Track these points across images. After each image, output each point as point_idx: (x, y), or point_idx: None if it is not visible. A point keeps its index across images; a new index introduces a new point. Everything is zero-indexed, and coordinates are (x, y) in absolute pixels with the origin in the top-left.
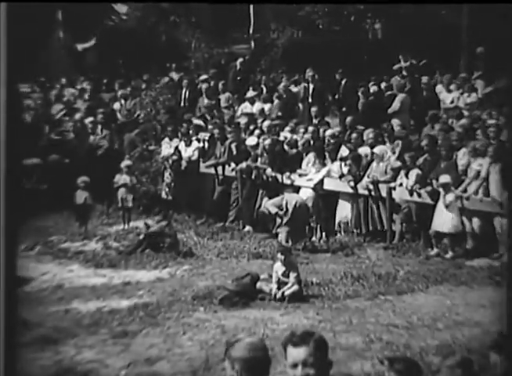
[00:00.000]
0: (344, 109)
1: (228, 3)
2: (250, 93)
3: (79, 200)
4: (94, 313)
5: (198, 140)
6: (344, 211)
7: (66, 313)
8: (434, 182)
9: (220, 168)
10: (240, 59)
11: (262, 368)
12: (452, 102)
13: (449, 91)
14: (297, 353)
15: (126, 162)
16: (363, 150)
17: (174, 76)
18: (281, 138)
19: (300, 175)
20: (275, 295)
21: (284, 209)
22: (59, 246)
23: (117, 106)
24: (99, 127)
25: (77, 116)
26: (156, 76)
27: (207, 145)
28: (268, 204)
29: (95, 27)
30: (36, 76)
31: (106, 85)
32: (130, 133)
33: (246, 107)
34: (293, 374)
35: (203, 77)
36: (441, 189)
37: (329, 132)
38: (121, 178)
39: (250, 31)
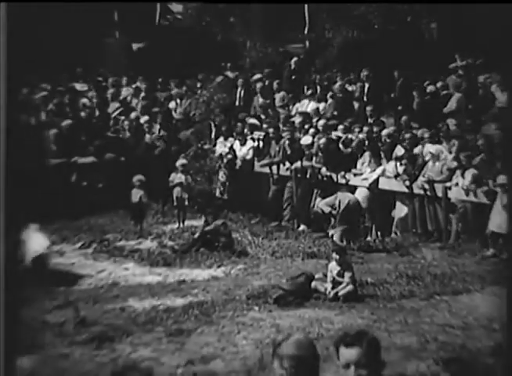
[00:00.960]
0: (399, 108)
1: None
2: (305, 92)
3: (134, 198)
4: (149, 311)
5: (253, 139)
6: (399, 210)
7: (122, 311)
8: (490, 182)
9: (275, 168)
10: (295, 59)
11: (311, 365)
12: None
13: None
14: (350, 354)
15: (181, 161)
16: (419, 150)
17: (230, 75)
18: (336, 137)
19: (355, 175)
20: (329, 295)
21: (337, 208)
22: (114, 244)
23: (172, 105)
24: (155, 126)
25: (133, 115)
26: (211, 75)
27: (261, 144)
28: (322, 204)
29: (150, 26)
30: (92, 75)
31: (161, 84)
32: (185, 132)
33: (302, 106)
34: (346, 375)
35: (258, 76)
36: (498, 189)
37: (385, 132)
38: (176, 177)
39: (305, 31)
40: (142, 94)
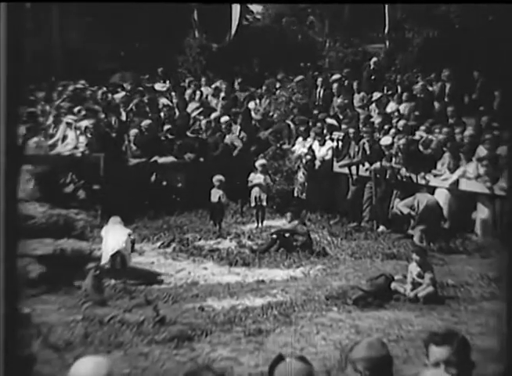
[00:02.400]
0: (480, 108)
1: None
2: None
3: (214, 198)
4: (228, 311)
5: (332, 140)
6: (480, 212)
7: (201, 311)
8: None
9: (354, 168)
10: (374, 59)
11: (385, 367)
12: None
13: None
14: (440, 352)
15: (261, 161)
16: (501, 150)
17: (308, 75)
18: (416, 137)
19: (435, 176)
20: (409, 296)
21: (416, 209)
22: (194, 244)
23: (251, 105)
24: (235, 126)
25: (213, 115)
26: (291, 75)
27: (340, 144)
28: (401, 205)
29: (229, 26)
30: (172, 75)
31: (240, 85)
32: (264, 132)
33: (381, 106)
34: (436, 374)
35: (337, 76)
36: None
37: (467, 132)
38: (256, 177)
39: (385, 31)
40: (222, 94)
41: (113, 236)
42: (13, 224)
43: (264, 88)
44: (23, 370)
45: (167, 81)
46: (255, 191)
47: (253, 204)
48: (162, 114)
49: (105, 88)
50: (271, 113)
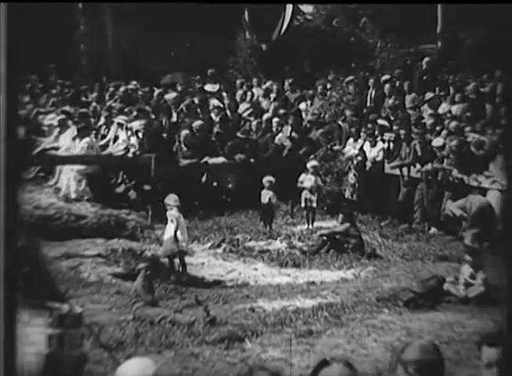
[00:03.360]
0: None
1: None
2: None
3: (264, 199)
4: (279, 312)
5: (383, 141)
6: None
7: (252, 312)
8: None
9: (405, 169)
10: (426, 59)
11: (436, 370)
12: None
13: None
14: (493, 353)
15: (312, 162)
16: None
17: (359, 76)
18: (468, 139)
19: (487, 177)
20: (461, 296)
21: (468, 211)
22: (244, 244)
23: (302, 106)
24: (285, 127)
25: (264, 116)
26: (342, 76)
27: (392, 145)
28: (453, 207)
29: (280, 27)
30: (223, 76)
31: (291, 85)
32: (315, 133)
33: (433, 107)
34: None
35: (388, 77)
36: None
37: None
38: (306, 178)
39: (437, 31)
40: (273, 95)
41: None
42: (14, 224)
43: (320, 87)
44: (75, 370)
45: (218, 82)
46: (305, 192)
47: (303, 205)
48: (213, 115)
49: (156, 89)
50: (322, 114)
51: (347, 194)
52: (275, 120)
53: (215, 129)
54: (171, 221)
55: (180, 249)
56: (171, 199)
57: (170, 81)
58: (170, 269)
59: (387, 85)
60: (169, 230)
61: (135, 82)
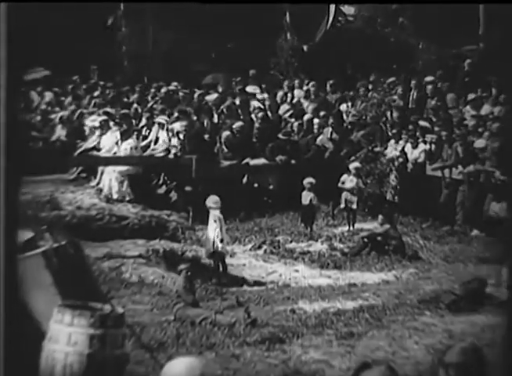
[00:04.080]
0: None
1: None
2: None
3: (305, 201)
4: (319, 314)
5: (425, 142)
6: None
7: (293, 313)
8: None
9: (447, 171)
10: (468, 61)
11: (478, 372)
12: None
13: None
14: None
15: (355, 164)
16: None
17: (401, 77)
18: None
19: None
20: (503, 300)
21: None
22: (285, 246)
23: (343, 107)
24: (326, 128)
25: (305, 117)
26: (383, 77)
27: (433, 147)
28: (496, 208)
29: (321, 28)
30: (263, 77)
31: (332, 86)
32: (356, 134)
33: (475, 108)
34: None
35: (430, 78)
36: None
37: None
38: (348, 180)
39: (480, 32)
40: (313, 96)
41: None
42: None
43: (356, 90)
44: (116, 370)
45: (259, 83)
46: (345, 194)
47: (343, 207)
48: (254, 116)
49: (197, 90)
50: (363, 116)
51: (388, 196)
52: (316, 121)
53: (256, 130)
54: (214, 221)
55: (221, 250)
56: (212, 200)
57: (211, 82)
58: (211, 271)
59: (429, 87)
60: (211, 231)
61: (176, 83)
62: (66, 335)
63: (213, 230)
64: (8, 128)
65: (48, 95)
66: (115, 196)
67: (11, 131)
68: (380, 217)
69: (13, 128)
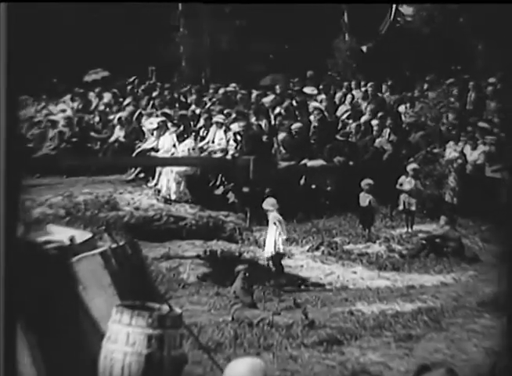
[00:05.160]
0: None
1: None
2: None
3: (363, 202)
4: (377, 316)
5: (484, 143)
6: None
7: (350, 315)
8: None
9: (506, 173)
10: None
11: None
12: None
13: None
14: None
15: (413, 165)
16: None
17: (460, 78)
18: None
19: None
20: None
21: None
22: (343, 247)
23: (401, 108)
24: (384, 129)
25: (363, 119)
26: (442, 78)
27: (493, 148)
28: None
29: (379, 28)
30: (321, 78)
31: (390, 87)
32: (415, 136)
33: None
34: None
35: (491, 80)
36: None
37: None
38: (406, 181)
39: None
40: (371, 97)
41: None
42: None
43: (414, 91)
44: (174, 371)
45: (317, 84)
46: (404, 195)
47: (402, 208)
48: (312, 118)
49: (254, 91)
50: (422, 117)
51: (447, 198)
52: (375, 122)
53: (314, 132)
54: (274, 223)
55: (282, 251)
56: (269, 203)
57: (268, 83)
58: (269, 272)
59: (489, 88)
60: (271, 233)
61: (234, 84)
62: (124, 335)
63: (273, 232)
64: (8, 127)
65: (107, 96)
66: (173, 196)
67: (11, 132)
68: (444, 218)
69: (14, 128)
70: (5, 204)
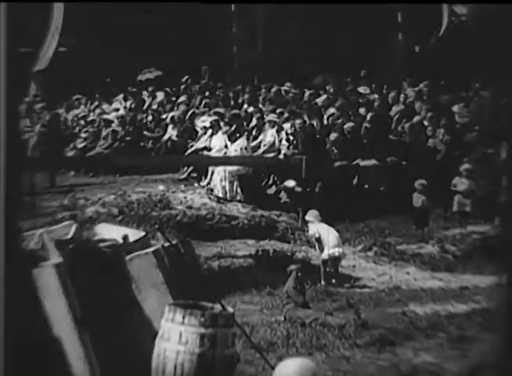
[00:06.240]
0: None
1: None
2: None
3: (416, 203)
4: (431, 317)
5: None
6: None
7: (403, 316)
8: None
9: None
10: None
11: None
12: None
13: None
14: None
15: (465, 166)
16: None
17: None
18: None
19: None
20: None
21: None
22: (395, 248)
23: (455, 108)
24: (438, 130)
25: (416, 118)
26: (492, 78)
27: None
28: None
29: (434, 28)
30: (374, 78)
31: (444, 87)
32: (469, 136)
33: None
34: None
35: None
36: None
37: None
38: (460, 182)
39: None
40: (425, 97)
41: (334, 237)
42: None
43: (468, 90)
44: (227, 370)
45: (370, 84)
46: (458, 196)
47: (455, 209)
48: (364, 117)
49: (307, 91)
50: (475, 117)
51: (502, 198)
52: (428, 122)
53: (367, 131)
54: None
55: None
56: (312, 215)
57: (321, 83)
58: (325, 272)
59: None
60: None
61: (288, 84)
62: (177, 334)
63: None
64: (8, 125)
65: (160, 95)
66: (225, 195)
67: (12, 131)
68: (498, 219)
69: (14, 127)
70: (5, 203)
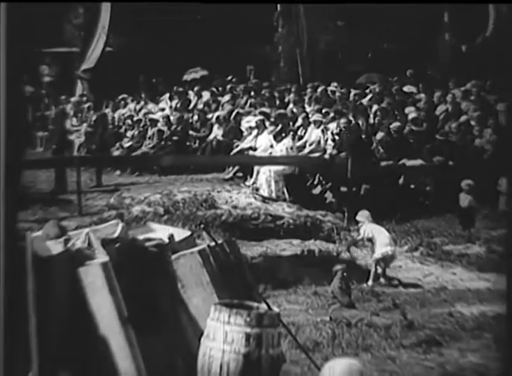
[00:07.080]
0: None
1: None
2: None
3: (463, 203)
4: (477, 317)
5: None
6: None
7: (450, 316)
8: None
9: None
10: None
11: None
12: None
13: None
14: None
15: None
16: None
17: None
18: None
19: None
20: None
21: None
22: (442, 248)
23: (500, 107)
24: (485, 130)
25: (463, 118)
26: None
27: None
28: None
29: (482, 27)
30: (420, 77)
31: (491, 87)
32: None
33: None
34: None
35: None
36: None
37: None
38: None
39: None
40: (472, 97)
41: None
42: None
43: None
44: (272, 369)
45: (417, 83)
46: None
47: (501, 208)
48: (411, 117)
49: (352, 90)
50: None
51: None
52: (474, 122)
53: (413, 131)
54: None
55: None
56: (363, 215)
57: (365, 82)
58: (375, 272)
59: None
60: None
61: (335, 84)
62: (222, 333)
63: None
64: (8, 125)
65: (206, 95)
66: (271, 195)
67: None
68: None
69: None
70: (5, 200)
